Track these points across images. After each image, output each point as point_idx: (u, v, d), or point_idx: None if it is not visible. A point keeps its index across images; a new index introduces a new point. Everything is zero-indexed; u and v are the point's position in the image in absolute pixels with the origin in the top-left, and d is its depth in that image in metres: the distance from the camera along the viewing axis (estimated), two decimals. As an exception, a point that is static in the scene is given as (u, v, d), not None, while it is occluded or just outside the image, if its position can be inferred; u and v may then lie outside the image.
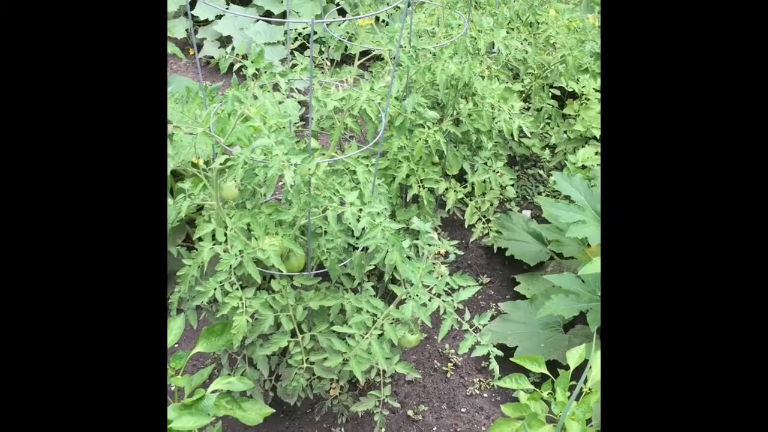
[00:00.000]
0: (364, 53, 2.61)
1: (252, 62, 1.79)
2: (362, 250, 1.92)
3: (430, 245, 1.83)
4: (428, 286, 1.82)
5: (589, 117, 2.98)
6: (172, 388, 2.15)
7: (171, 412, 1.59)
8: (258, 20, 4.14)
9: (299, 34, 2.78)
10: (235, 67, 1.94)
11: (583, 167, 2.81)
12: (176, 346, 2.43)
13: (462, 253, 2.90)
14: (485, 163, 2.68)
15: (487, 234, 2.75)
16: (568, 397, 1.72)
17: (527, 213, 3.08)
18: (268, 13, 4.34)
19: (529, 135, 2.71)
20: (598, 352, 1.85)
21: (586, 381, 1.83)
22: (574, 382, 1.76)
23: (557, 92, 3.24)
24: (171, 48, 3.90)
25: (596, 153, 2.89)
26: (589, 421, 1.75)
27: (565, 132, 3.11)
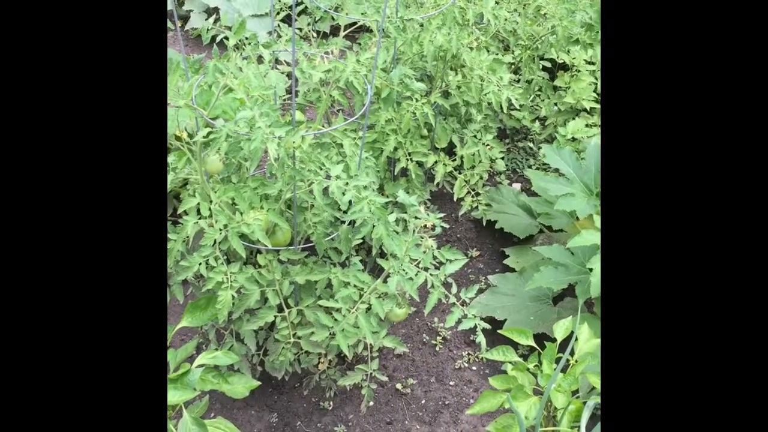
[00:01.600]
0: (352, 25, 2.57)
1: (234, 33, 1.76)
2: (349, 224, 1.91)
3: (416, 218, 1.81)
4: (415, 260, 1.81)
5: (580, 89, 2.95)
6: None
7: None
8: (245, -9, 4.06)
9: (285, 4, 2.74)
10: (218, 39, 1.90)
11: (573, 139, 2.79)
12: (164, 321, 2.42)
13: (449, 226, 2.90)
14: (475, 136, 2.66)
15: (477, 207, 2.74)
16: (554, 369, 1.72)
17: (517, 186, 3.07)
18: (256, -16, 4.26)
19: (519, 107, 2.69)
20: (585, 324, 1.85)
21: (572, 353, 1.83)
22: (560, 355, 1.76)
23: (548, 64, 3.21)
24: (157, 20, 3.83)
25: (586, 125, 2.87)
26: (575, 392, 1.76)
27: (556, 104, 3.08)
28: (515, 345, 2.26)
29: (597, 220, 2.16)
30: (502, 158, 2.88)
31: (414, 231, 1.80)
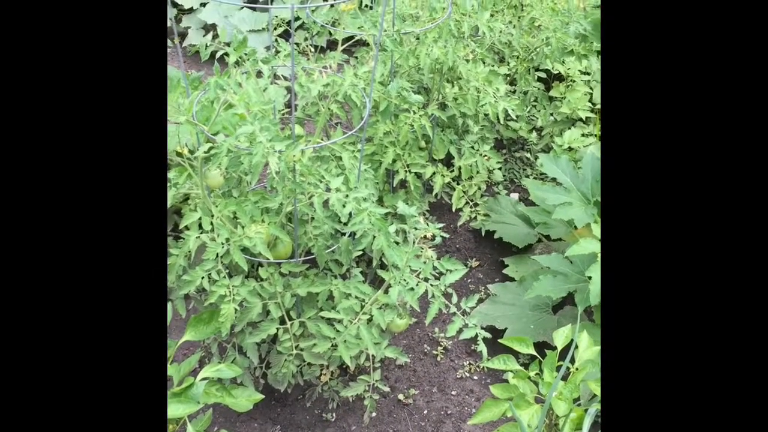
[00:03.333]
0: (349, 39, 2.60)
1: (235, 50, 1.78)
2: (349, 236, 1.92)
3: (416, 229, 1.83)
4: (415, 271, 1.82)
5: (575, 99, 2.99)
6: (163, 378, 2.15)
7: (161, 401, 1.59)
8: (243, 7, 4.10)
9: (283, 20, 2.77)
10: (218, 55, 1.93)
11: (570, 149, 2.82)
12: (166, 335, 2.43)
13: (448, 236, 2.91)
14: (472, 147, 2.69)
15: (475, 218, 2.75)
16: (555, 377, 1.73)
17: (515, 196, 3.09)
18: (253, 0, 4.31)
19: (515, 118, 2.71)
20: (584, 332, 1.87)
21: (572, 361, 1.85)
22: (561, 363, 1.77)
23: (543, 75, 3.24)
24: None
25: (582, 134, 2.90)
26: (576, 400, 1.77)
27: (552, 114, 3.11)
28: (516, 354, 2.27)
29: (595, 228, 2.18)
30: (500, 168, 2.90)
31: (414, 242, 1.82)
